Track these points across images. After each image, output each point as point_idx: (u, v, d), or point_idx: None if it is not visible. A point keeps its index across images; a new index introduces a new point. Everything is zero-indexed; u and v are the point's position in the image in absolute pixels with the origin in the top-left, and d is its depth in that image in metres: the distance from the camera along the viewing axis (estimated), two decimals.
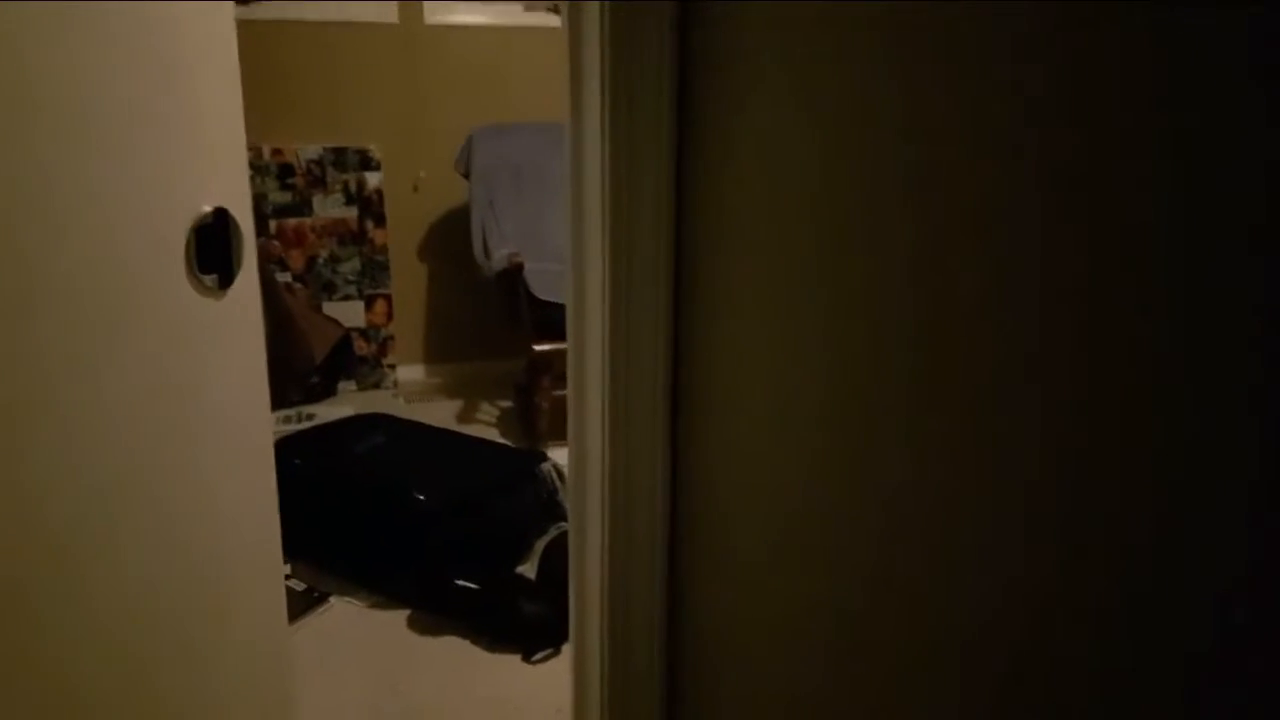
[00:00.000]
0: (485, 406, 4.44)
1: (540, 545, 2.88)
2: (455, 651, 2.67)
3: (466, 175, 4.19)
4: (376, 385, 4.68)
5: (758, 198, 1.10)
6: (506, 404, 4.46)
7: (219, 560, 1.79)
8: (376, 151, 4.46)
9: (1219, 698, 0.58)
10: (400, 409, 4.41)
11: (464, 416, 4.33)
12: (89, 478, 1.48)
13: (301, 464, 3.07)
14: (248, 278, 1.71)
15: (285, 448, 3.18)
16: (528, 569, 2.86)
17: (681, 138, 1.24)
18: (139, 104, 1.46)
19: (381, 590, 2.89)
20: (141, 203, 1.48)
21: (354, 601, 2.87)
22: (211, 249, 1.62)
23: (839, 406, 0.97)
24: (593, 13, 1.24)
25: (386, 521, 2.85)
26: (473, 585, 2.71)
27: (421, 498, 2.81)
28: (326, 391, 4.53)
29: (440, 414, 4.35)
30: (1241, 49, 0.53)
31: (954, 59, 0.75)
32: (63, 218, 1.38)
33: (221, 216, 1.63)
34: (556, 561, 2.83)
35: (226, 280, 1.66)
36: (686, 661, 1.50)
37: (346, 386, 4.63)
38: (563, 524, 2.98)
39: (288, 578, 2.92)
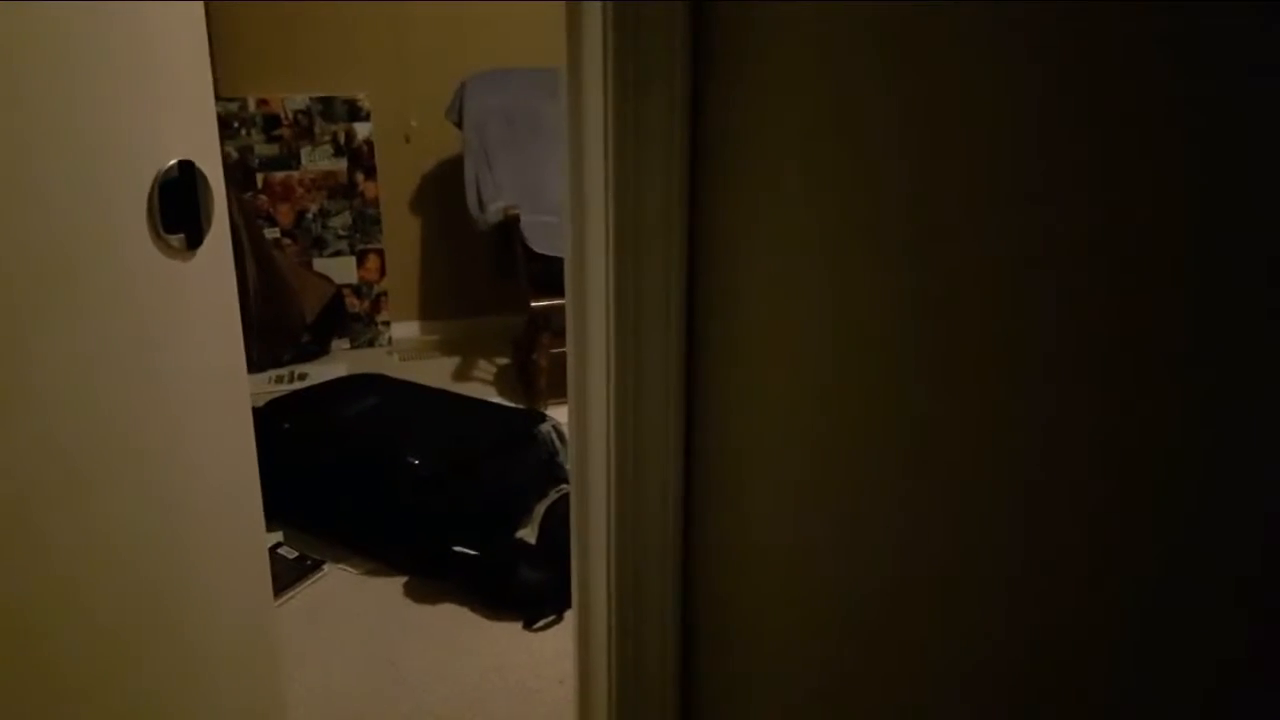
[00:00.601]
0: (482, 364, 4.33)
1: (540, 509, 2.78)
2: (454, 620, 2.58)
3: (459, 124, 4.05)
4: (370, 343, 4.56)
5: (782, 122, 0.97)
6: (504, 361, 4.35)
7: (198, 527, 1.68)
8: (366, 101, 4.31)
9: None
10: (395, 367, 4.30)
11: (460, 375, 4.22)
12: (56, 449, 1.37)
13: (291, 428, 2.97)
14: (218, 236, 1.59)
15: (274, 411, 3.08)
16: (528, 534, 2.76)
17: (695, 57, 1.11)
18: (87, 44, 1.32)
19: (377, 557, 2.79)
20: (92, 155, 1.35)
21: (348, 569, 2.78)
22: (178, 206, 1.50)
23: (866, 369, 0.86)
24: None
25: (380, 487, 2.75)
26: (471, 551, 2.62)
27: (416, 462, 2.70)
28: (319, 350, 4.42)
29: (436, 372, 4.24)
30: None
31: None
32: (1, 173, 1.26)
33: (188, 170, 1.50)
34: (557, 525, 2.73)
35: (195, 239, 1.54)
36: (703, 633, 1.40)
37: (339, 345, 4.51)
38: (563, 486, 2.89)
39: (279, 546, 2.83)
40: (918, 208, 0.77)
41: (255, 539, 1.92)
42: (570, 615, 2.65)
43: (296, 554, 2.80)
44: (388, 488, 2.74)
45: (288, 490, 2.95)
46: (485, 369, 4.28)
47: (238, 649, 1.82)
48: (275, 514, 2.95)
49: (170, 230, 1.49)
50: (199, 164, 1.52)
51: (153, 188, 1.45)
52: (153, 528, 1.57)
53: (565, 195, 1.32)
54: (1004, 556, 0.71)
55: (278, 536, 2.88)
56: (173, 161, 1.47)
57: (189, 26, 1.50)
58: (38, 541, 1.38)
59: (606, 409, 1.29)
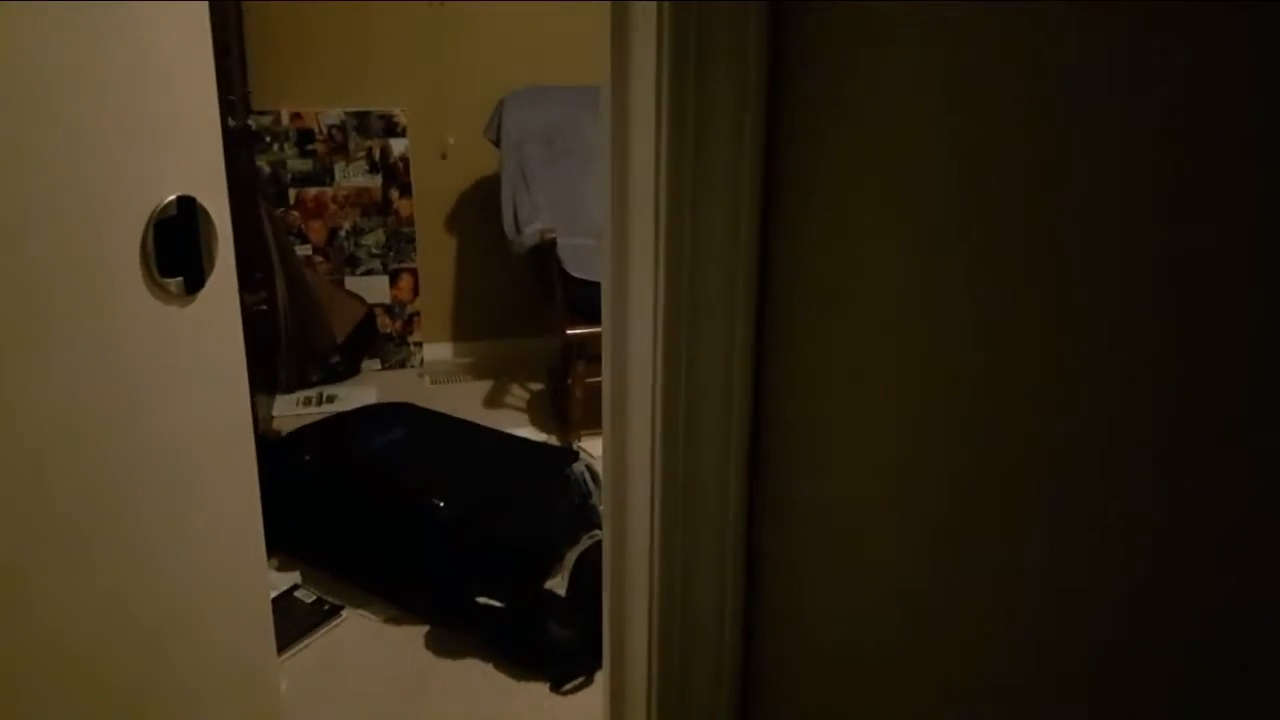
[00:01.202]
0: (515, 389, 4.18)
1: (571, 557, 2.62)
2: (476, 676, 2.41)
3: (497, 143, 3.90)
4: (401, 364, 4.42)
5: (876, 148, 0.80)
6: (538, 387, 4.19)
7: (197, 581, 1.53)
8: (402, 116, 4.18)
9: None
10: (425, 390, 4.16)
11: (492, 400, 4.07)
12: (47, 510, 1.22)
13: (313, 460, 2.82)
14: (223, 279, 1.44)
15: (296, 441, 2.94)
16: (557, 584, 2.60)
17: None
18: (73, 67, 1.18)
19: (398, 603, 2.64)
20: (80, 193, 1.20)
21: (367, 615, 2.62)
22: (177, 246, 1.35)
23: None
24: None
25: (404, 528, 2.60)
26: (496, 603, 2.46)
27: (441, 504, 2.55)
28: (349, 371, 4.28)
29: (467, 396, 4.09)
30: None
31: None
32: None
33: (188, 207, 1.35)
34: (589, 576, 2.57)
35: (196, 283, 1.39)
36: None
37: (370, 366, 4.38)
38: (596, 533, 2.72)
39: (296, 588, 2.68)
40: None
41: (260, 606, 1.77)
42: (600, 678, 2.49)
43: (314, 597, 2.65)
44: (411, 530, 2.58)
45: (308, 526, 2.81)
46: (518, 395, 4.12)
47: (236, 702, 1.67)
48: (294, 552, 2.81)
49: (168, 273, 1.34)
50: (201, 200, 1.37)
51: (147, 227, 1.30)
52: (149, 591, 1.42)
53: (604, 216, 1.14)
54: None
55: (295, 577, 2.73)
56: (171, 198, 1.32)
57: (193, 46, 1.35)
58: (31, 601, 1.24)
59: (652, 441, 1.08)
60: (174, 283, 1.35)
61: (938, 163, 0.74)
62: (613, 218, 1.11)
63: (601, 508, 2.95)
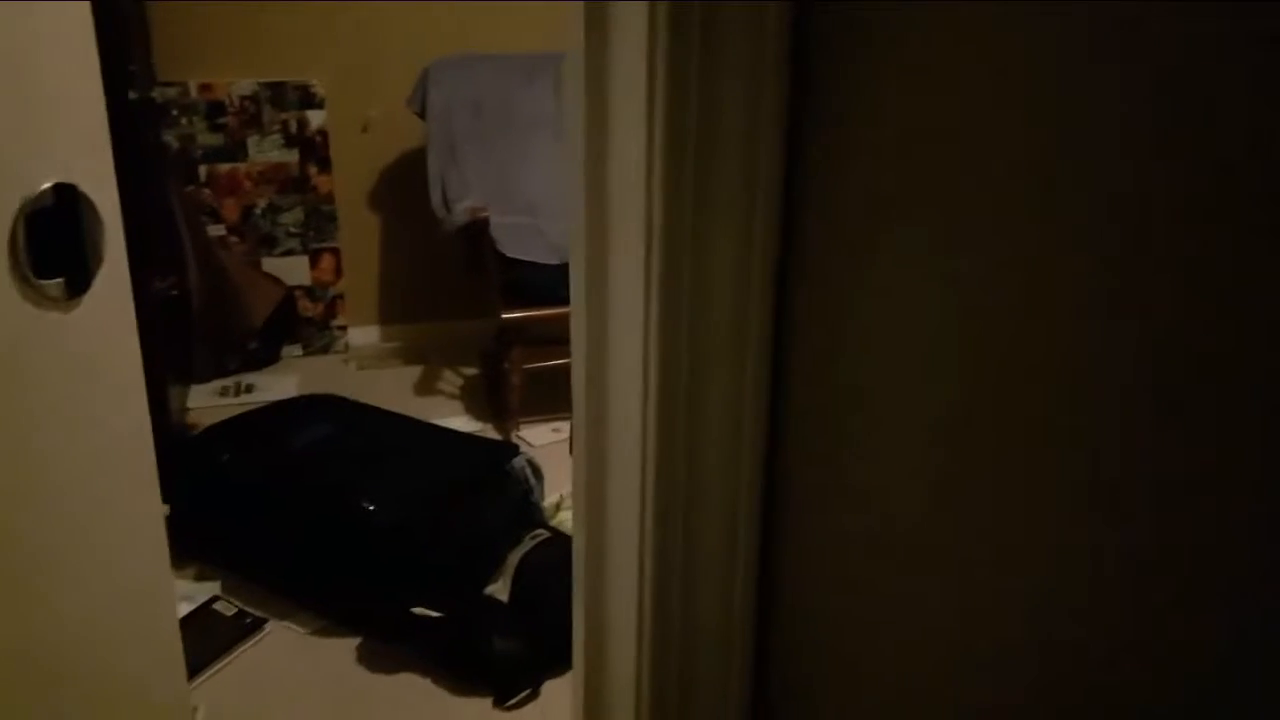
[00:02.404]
0: (447, 375, 3.98)
1: (514, 559, 2.46)
2: (413, 692, 2.25)
3: (422, 114, 3.68)
4: (325, 349, 4.20)
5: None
6: (472, 371, 4.00)
7: (94, 612, 1.34)
8: (319, 87, 3.94)
9: None
10: (351, 376, 3.95)
11: (424, 388, 3.87)
12: None
13: (231, 460, 2.61)
14: (113, 279, 1.25)
15: (212, 439, 2.73)
16: (499, 589, 2.43)
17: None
18: None
19: (327, 614, 2.45)
20: None
21: (294, 627, 2.43)
22: (58, 242, 1.16)
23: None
24: None
25: (331, 534, 2.41)
26: (434, 613, 2.29)
27: (371, 507, 2.36)
28: (268, 358, 4.05)
29: (396, 383, 3.89)
30: None
31: None
32: None
33: (67, 197, 1.15)
34: (533, 579, 2.42)
35: (80, 284, 1.19)
36: None
37: (291, 352, 4.14)
38: (539, 532, 2.56)
39: (215, 600, 2.48)
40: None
41: (166, 632, 1.58)
42: (549, 689, 2.34)
43: (235, 609, 2.45)
44: (339, 536, 2.40)
45: (227, 532, 2.60)
46: (451, 380, 3.93)
47: None
48: (213, 560, 2.61)
49: (46, 274, 1.14)
50: (83, 188, 1.17)
51: (16, 221, 1.10)
52: (39, 629, 1.23)
53: (573, 167, 0.96)
54: None
55: (215, 588, 2.53)
56: (44, 186, 1.12)
57: (68, 11, 1.15)
58: None
59: (643, 426, 0.90)
60: (53, 285, 1.15)
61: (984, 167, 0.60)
62: (588, 154, 0.92)
63: (546, 504, 2.79)
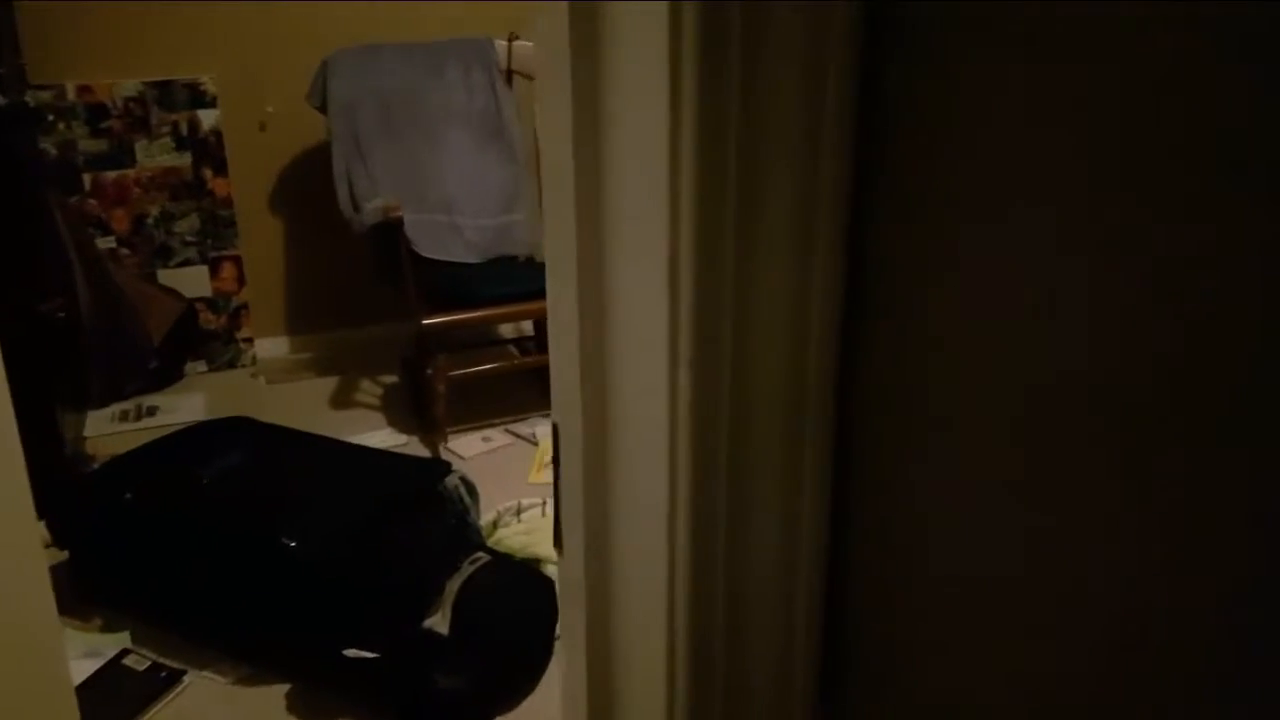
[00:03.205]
0: (365, 385, 3.77)
1: (453, 588, 2.28)
2: None
3: (323, 109, 3.46)
4: (231, 364, 3.94)
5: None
6: (391, 380, 3.80)
7: None
8: (211, 84, 3.68)
9: None
10: (261, 392, 3.71)
11: (341, 400, 3.66)
12: None
13: (135, 499, 2.39)
14: None
15: (113, 476, 2.52)
16: (438, 621, 2.26)
17: None
18: None
19: (251, 660, 2.25)
20: None
21: (215, 678, 2.23)
22: None
23: None
24: None
25: (251, 574, 2.21)
26: (368, 654, 2.10)
27: (293, 544, 2.17)
28: (170, 377, 3.79)
29: (310, 396, 3.67)
30: None
31: None
32: None
33: None
34: (475, 608, 2.25)
35: None
36: None
37: (194, 368, 3.89)
38: (478, 555, 2.39)
39: (125, 654, 2.26)
40: None
41: (60, 695, 1.39)
42: None
43: (148, 663, 2.24)
44: (260, 576, 2.20)
45: (135, 578, 2.38)
46: (370, 391, 3.72)
47: None
48: (121, 608, 2.39)
49: None
50: None
51: None
52: None
53: (556, 204, 0.78)
54: None
55: (124, 639, 2.31)
56: None
57: None
58: None
59: (671, 421, 0.72)
60: None
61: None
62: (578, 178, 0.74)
63: (483, 523, 2.62)
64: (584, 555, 0.69)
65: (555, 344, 0.71)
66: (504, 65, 3.62)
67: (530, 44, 3.65)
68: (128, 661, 2.25)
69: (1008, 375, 0.60)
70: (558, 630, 2.35)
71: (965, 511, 0.64)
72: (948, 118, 0.57)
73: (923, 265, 0.59)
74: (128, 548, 2.37)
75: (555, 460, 0.75)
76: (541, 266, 3.01)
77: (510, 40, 3.62)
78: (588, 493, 0.68)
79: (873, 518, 0.69)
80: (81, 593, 2.40)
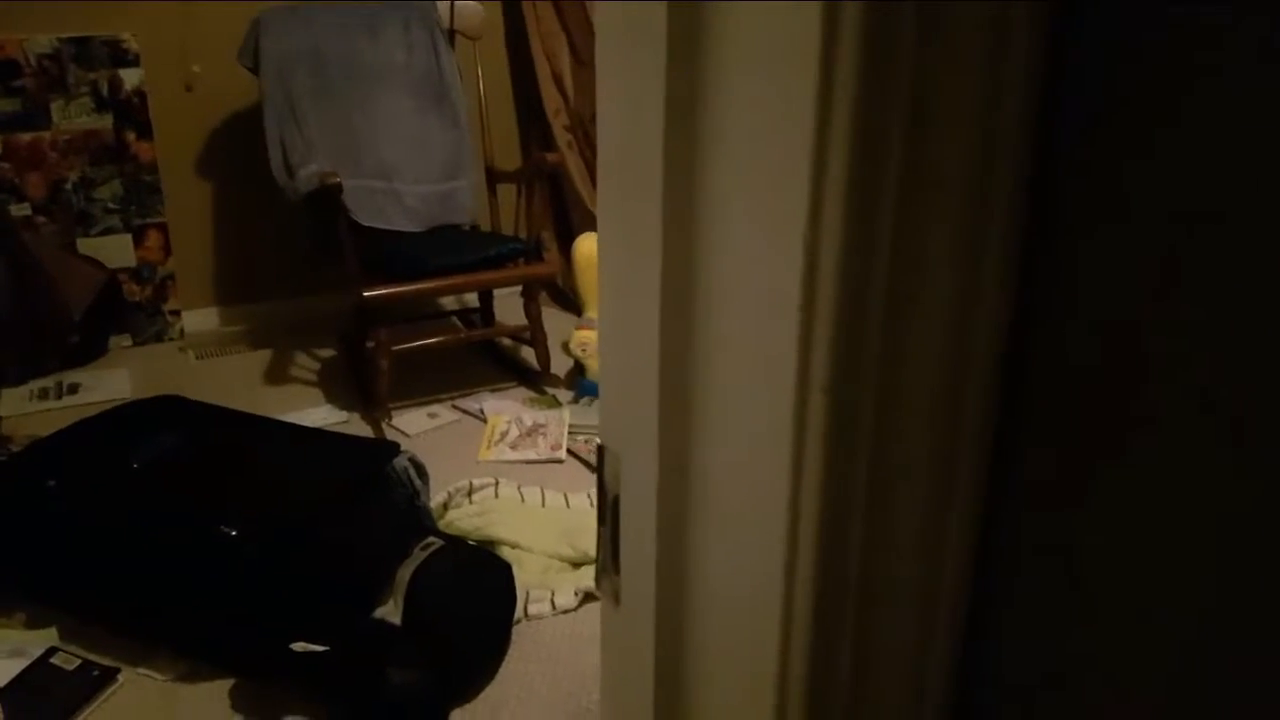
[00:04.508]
0: (301, 359, 3.62)
1: (404, 575, 2.17)
2: None
3: (254, 69, 3.28)
4: (158, 338, 3.76)
5: None
6: (328, 354, 3.65)
7: None
8: (133, 41, 3.47)
9: None
10: (190, 367, 3.55)
11: (275, 374, 3.50)
12: None
13: (58, 486, 2.23)
14: None
15: (33, 461, 2.37)
16: (390, 610, 2.15)
17: None
18: None
19: (191, 655, 2.13)
20: None
21: (153, 674, 2.10)
22: None
23: None
24: None
25: (188, 566, 2.08)
26: (317, 648, 1.99)
27: (233, 533, 2.04)
28: (93, 351, 3.60)
29: (243, 371, 3.51)
30: None
31: None
32: None
33: None
34: (428, 597, 2.15)
35: None
36: None
37: (119, 342, 3.70)
38: (430, 540, 2.28)
39: (53, 653, 2.12)
40: None
41: None
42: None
43: (79, 661, 2.10)
44: (198, 568, 2.07)
45: (62, 570, 2.24)
46: (306, 366, 3.57)
47: None
48: (47, 603, 2.24)
49: None
50: None
51: None
52: None
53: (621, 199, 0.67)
54: None
55: (51, 636, 2.16)
56: None
57: None
58: None
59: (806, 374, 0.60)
60: None
61: None
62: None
63: (433, 504, 2.50)
64: (654, 621, 0.58)
65: (614, 351, 0.59)
66: (445, 24, 3.47)
67: (472, 3, 3.50)
68: (56, 660, 2.10)
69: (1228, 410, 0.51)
70: (516, 616, 2.26)
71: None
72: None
73: (1127, 283, 0.49)
74: (52, 538, 2.22)
75: (600, 488, 0.64)
76: (487, 235, 2.89)
77: None
78: (665, 542, 0.57)
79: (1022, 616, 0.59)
80: (2, 587, 2.25)
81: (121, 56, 3.46)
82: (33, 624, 2.20)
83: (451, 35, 3.47)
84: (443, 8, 3.46)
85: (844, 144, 0.44)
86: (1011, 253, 0.49)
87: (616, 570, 0.62)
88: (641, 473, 0.57)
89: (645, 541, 0.58)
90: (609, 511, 0.62)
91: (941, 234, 0.47)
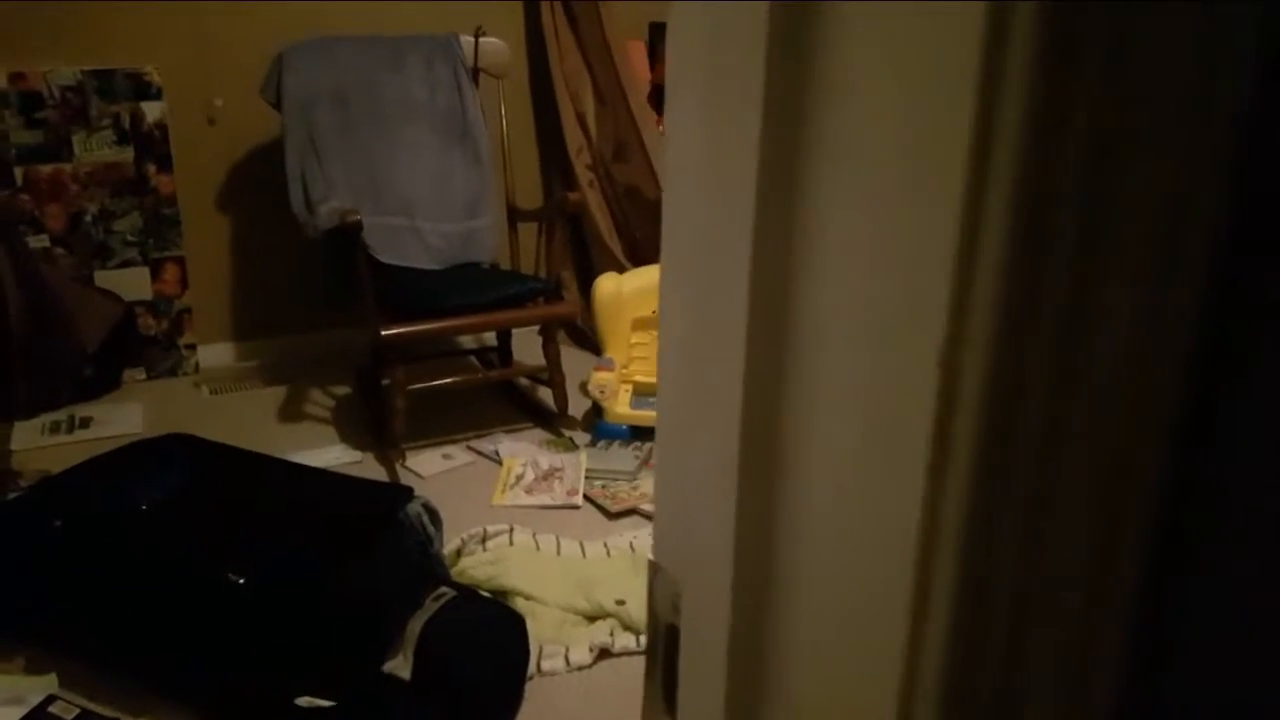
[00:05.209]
0: (316, 396, 3.57)
1: (415, 627, 2.10)
2: None
3: (277, 105, 3.26)
4: (172, 372, 3.72)
5: None
6: (343, 391, 3.60)
7: None
8: (155, 74, 3.46)
9: None
10: (203, 402, 3.50)
11: (288, 412, 3.45)
12: None
13: (66, 527, 2.18)
14: None
15: (41, 499, 2.31)
16: (399, 665, 2.08)
17: None
18: None
19: (194, 707, 2.06)
20: None
21: None
22: None
23: None
24: None
25: (193, 614, 2.02)
26: (322, 703, 1.92)
27: (240, 580, 1.98)
28: (107, 385, 3.56)
29: (257, 408, 3.46)
30: None
31: None
32: None
33: None
34: (440, 650, 2.07)
35: None
36: None
37: (133, 376, 3.66)
38: (442, 591, 2.21)
39: (53, 700, 2.06)
40: None
41: None
42: None
43: (77, 710, 2.04)
44: (203, 616, 2.01)
45: (64, 614, 2.18)
46: (320, 403, 3.52)
47: None
48: (48, 647, 2.18)
49: None
50: None
51: None
52: None
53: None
54: None
55: (51, 683, 2.10)
56: None
57: None
58: None
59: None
60: None
61: None
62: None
63: (446, 552, 2.44)
64: None
65: (674, 450, 0.52)
66: (469, 62, 3.44)
67: (496, 40, 3.48)
68: (54, 709, 2.04)
69: None
70: (529, 672, 2.19)
71: None
72: None
73: None
74: (56, 581, 2.16)
75: (650, 611, 0.57)
76: (506, 274, 2.83)
77: (477, 36, 3.44)
78: (736, 689, 0.49)
79: None
80: (2, 630, 2.19)
81: (144, 89, 3.45)
82: (32, 669, 2.14)
83: (475, 73, 3.45)
84: (467, 45, 3.44)
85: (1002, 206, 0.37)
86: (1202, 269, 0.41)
87: (671, 713, 0.55)
88: (710, 608, 0.50)
89: (711, 691, 0.50)
90: (660, 642, 0.55)
91: (1119, 290, 0.39)
